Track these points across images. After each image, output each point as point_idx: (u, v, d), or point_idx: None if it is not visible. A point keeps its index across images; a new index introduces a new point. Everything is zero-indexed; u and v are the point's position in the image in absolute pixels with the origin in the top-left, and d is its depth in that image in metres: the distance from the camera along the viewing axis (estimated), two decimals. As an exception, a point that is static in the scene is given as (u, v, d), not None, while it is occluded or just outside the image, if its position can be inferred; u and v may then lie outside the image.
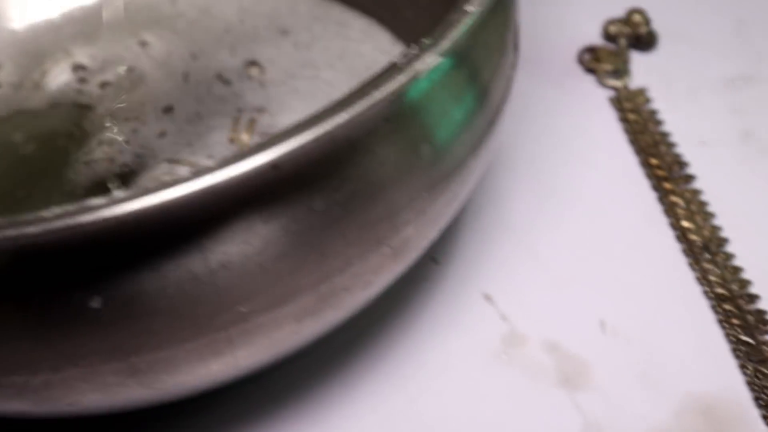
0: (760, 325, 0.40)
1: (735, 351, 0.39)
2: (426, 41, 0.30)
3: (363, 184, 0.30)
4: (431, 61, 0.30)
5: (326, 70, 0.49)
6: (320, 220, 0.30)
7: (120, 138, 0.46)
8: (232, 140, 0.45)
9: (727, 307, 0.40)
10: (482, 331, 0.40)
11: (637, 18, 0.53)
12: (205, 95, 0.49)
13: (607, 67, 0.51)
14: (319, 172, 0.29)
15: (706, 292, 0.41)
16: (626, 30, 0.53)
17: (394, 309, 0.41)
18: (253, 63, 0.50)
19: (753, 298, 0.41)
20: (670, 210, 0.45)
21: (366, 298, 0.33)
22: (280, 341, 0.31)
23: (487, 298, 0.41)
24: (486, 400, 0.38)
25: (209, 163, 0.27)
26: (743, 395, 0.38)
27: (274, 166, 0.27)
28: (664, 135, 0.48)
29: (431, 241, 0.35)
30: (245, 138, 0.45)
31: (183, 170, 0.43)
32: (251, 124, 0.45)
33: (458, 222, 0.45)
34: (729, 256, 0.43)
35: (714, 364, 0.39)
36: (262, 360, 0.32)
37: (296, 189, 0.29)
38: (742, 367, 0.39)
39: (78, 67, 0.50)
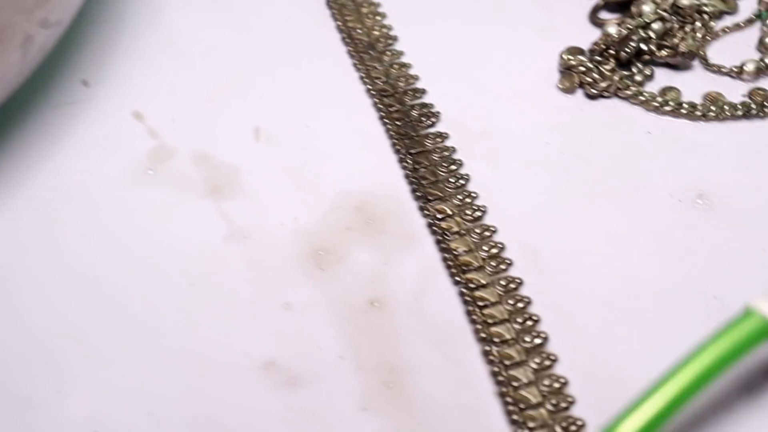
0: (423, 119, 0.38)
1: (395, 146, 0.37)
2: None
3: None
4: None
5: None
6: None
7: None
8: None
9: (389, 102, 0.38)
10: (129, 150, 0.37)
11: None
12: None
13: None
14: None
15: (369, 90, 0.39)
16: None
17: (34, 132, 0.38)
18: None
19: (418, 92, 0.39)
20: (338, 13, 0.42)
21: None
22: None
23: (138, 116, 0.38)
24: (130, 219, 0.35)
25: None
26: (401, 189, 0.37)
27: None
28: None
29: (26, 33, 0.31)
30: None
31: None
32: None
33: (113, 43, 0.41)
34: (397, 54, 0.40)
35: (373, 162, 0.38)
36: None
37: None
38: (401, 161, 0.37)
39: None
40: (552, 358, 0.32)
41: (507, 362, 0.31)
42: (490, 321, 0.32)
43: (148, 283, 0.33)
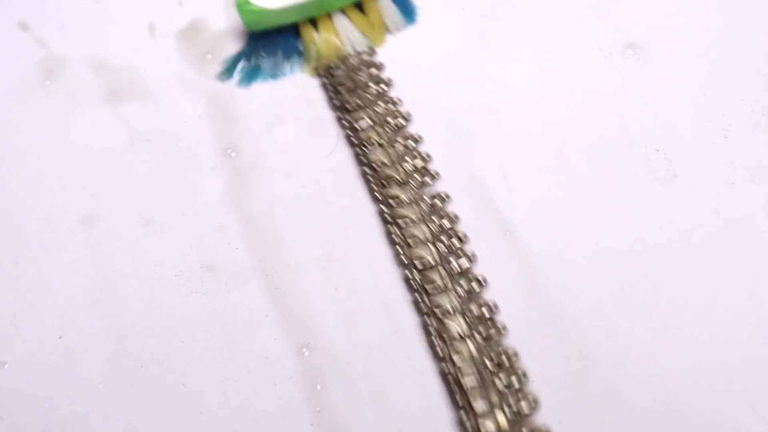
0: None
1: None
2: None
3: None
4: None
5: None
6: None
7: None
8: None
9: None
10: (18, 62, 0.34)
11: None
12: None
13: None
14: None
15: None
16: None
17: None
18: None
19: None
20: None
21: None
22: None
23: (23, 26, 0.34)
24: (23, 134, 0.32)
25: None
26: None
27: None
28: None
29: None
30: None
31: None
32: None
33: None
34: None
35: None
36: None
37: None
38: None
39: None
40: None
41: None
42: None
43: (48, 200, 0.30)
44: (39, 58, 0.34)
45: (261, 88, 0.33)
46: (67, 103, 0.33)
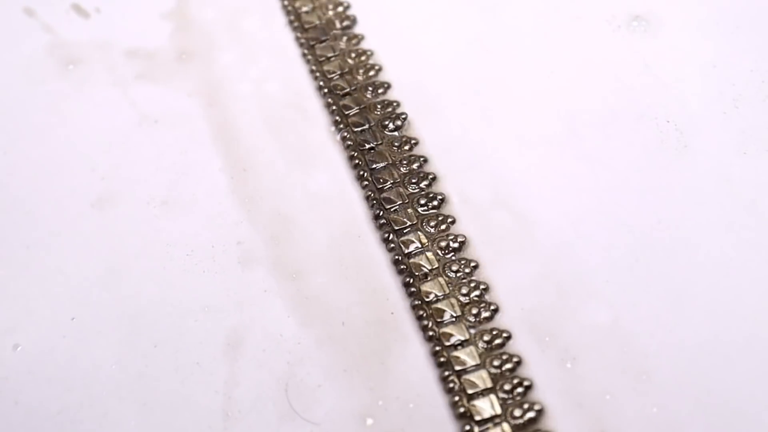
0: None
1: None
2: None
3: None
4: None
5: None
6: None
7: None
8: None
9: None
10: (26, 48, 0.34)
11: None
12: None
13: None
14: None
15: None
16: None
17: None
18: None
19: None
20: None
21: None
22: None
23: (29, 12, 0.34)
24: (31, 117, 0.32)
25: None
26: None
27: None
28: None
29: None
30: None
31: None
32: None
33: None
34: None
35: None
36: None
37: None
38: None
39: None
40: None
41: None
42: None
43: (58, 183, 0.30)
44: (45, 43, 0.34)
45: (261, 70, 0.32)
46: (75, 87, 0.33)
